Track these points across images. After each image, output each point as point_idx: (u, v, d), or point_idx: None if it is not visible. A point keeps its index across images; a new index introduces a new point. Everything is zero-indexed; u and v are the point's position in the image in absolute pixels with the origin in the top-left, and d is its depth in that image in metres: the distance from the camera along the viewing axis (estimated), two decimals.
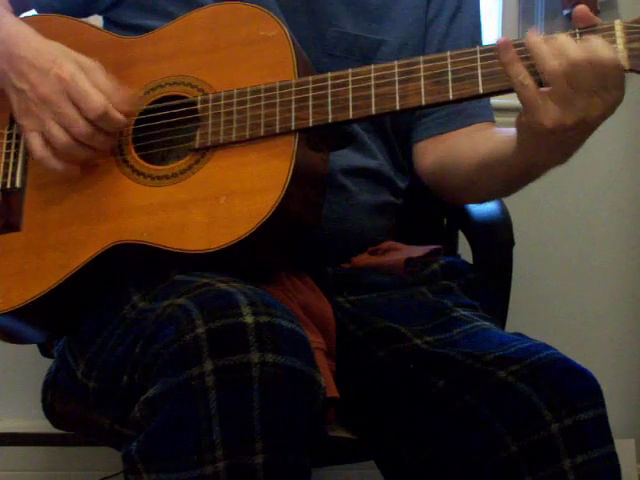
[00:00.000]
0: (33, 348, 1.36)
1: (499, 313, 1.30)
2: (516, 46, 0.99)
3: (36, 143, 1.10)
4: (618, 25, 0.98)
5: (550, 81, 0.97)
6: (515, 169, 1.12)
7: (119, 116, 1.08)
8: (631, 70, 0.97)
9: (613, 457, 1.00)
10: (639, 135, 2.02)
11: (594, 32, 0.98)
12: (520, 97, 0.99)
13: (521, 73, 0.98)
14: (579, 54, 0.95)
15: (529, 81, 0.98)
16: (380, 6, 1.28)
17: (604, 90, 0.96)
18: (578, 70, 0.95)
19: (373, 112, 1.05)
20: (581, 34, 0.98)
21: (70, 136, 1.08)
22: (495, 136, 1.19)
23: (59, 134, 1.08)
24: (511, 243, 1.36)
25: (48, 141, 1.09)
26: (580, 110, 0.97)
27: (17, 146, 1.17)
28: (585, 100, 0.96)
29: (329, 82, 1.06)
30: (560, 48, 0.96)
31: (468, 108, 1.29)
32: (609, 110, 0.98)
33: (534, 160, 1.07)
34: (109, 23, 1.30)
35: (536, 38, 0.98)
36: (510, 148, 1.09)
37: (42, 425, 1.57)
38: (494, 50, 1.00)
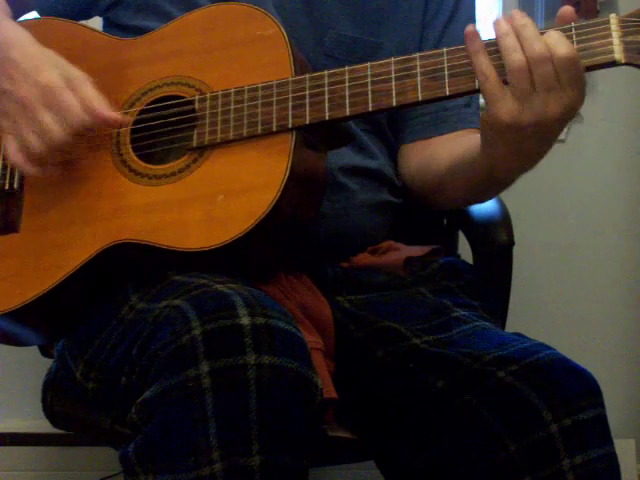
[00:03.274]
0: (33, 348, 1.36)
1: (499, 313, 1.30)
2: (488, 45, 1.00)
3: (11, 147, 1.09)
4: (613, 19, 0.98)
5: (510, 74, 0.98)
6: (478, 172, 1.13)
7: (96, 127, 1.08)
8: (627, 64, 0.97)
9: (613, 457, 1.00)
10: (639, 135, 2.02)
11: (588, 27, 0.98)
12: (481, 89, 1.00)
13: (484, 64, 0.99)
14: (538, 49, 0.96)
15: (491, 72, 0.99)
16: (379, 9, 1.28)
17: (560, 88, 0.97)
18: (537, 65, 0.96)
19: (370, 109, 1.05)
20: (576, 29, 0.98)
21: (45, 144, 1.07)
22: (469, 140, 1.19)
23: (35, 141, 1.07)
24: (511, 243, 1.36)
25: (24, 147, 1.08)
26: (537, 108, 0.97)
27: None
28: (542, 98, 0.97)
29: (326, 80, 1.06)
30: (524, 42, 0.97)
31: (457, 114, 1.29)
32: (566, 112, 0.98)
33: (494, 162, 1.08)
34: (109, 24, 1.30)
35: (505, 29, 0.98)
36: (476, 150, 1.10)
37: (42, 425, 1.57)
38: (490, 46, 1.00)
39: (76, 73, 1.09)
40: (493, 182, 1.15)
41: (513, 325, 1.30)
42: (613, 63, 0.98)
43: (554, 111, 0.98)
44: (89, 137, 1.10)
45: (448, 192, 1.25)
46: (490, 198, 1.27)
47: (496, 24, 0.99)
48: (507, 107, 0.98)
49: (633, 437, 2.03)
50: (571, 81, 0.97)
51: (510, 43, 0.98)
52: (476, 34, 1.00)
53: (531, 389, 1.00)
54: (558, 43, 0.96)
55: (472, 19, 1.36)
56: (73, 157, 1.11)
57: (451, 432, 1.02)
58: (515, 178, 1.13)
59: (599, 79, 1.96)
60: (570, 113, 0.99)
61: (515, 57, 0.97)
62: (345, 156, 1.22)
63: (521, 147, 1.03)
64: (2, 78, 1.10)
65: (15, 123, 1.09)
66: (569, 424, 0.98)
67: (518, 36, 0.98)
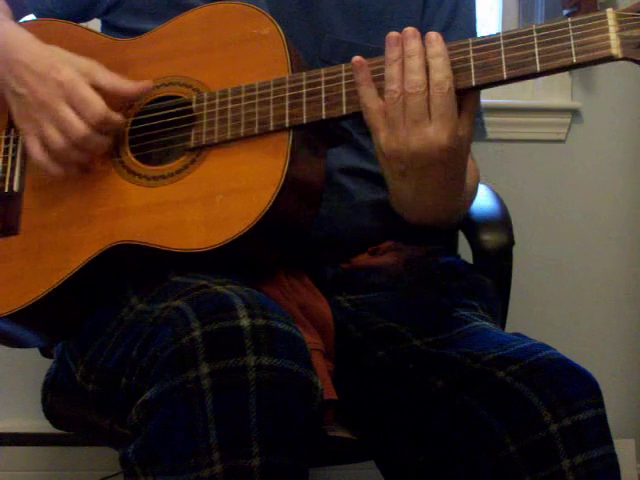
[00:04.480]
0: (33, 349, 1.36)
1: (499, 313, 1.30)
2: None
3: (35, 147, 1.10)
4: (610, 14, 0.97)
5: (385, 104, 0.99)
6: (398, 196, 1.15)
7: (119, 119, 1.09)
8: (624, 59, 0.96)
9: (612, 457, 0.99)
10: (639, 135, 2.02)
11: (584, 22, 0.97)
12: (365, 118, 1.01)
13: (366, 95, 1.01)
14: (414, 81, 0.98)
15: (373, 104, 1.00)
16: (377, 14, 1.27)
17: (426, 120, 0.98)
18: (408, 97, 0.98)
19: None
20: (573, 24, 0.97)
21: (67, 139, 1.08)
22: None
23: (56, 137, 1.08)
24: (511, 243, 1.36)
25: (46, 145, 1.09)
26: (403, 139, 0.99)
27: (15, 150, 1.18)
28: (408, 130, 0.98)
29: (322, 78, 1.06)
30: (405, 73, 0.98)
31: None
32: (428, 147, 0.99)
33: (401, 200, 1.12)
34: (107, 27, 1.30)
35: (392, 57, 0.99)
36: None
37: (42, 425, 1.57)
38: (486, 42, 1.00)
39: (87, 63, 1.11)
40: (418, 211, 1.17)
41: (513, 325, 1.30)
42: (610, 58, 0.96)
43: (415, 145, 0.99)
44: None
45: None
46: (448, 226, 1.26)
47: (387, 47, 1.00)
48: (384, 137, 1.00)
49: (633, 437, 2.03)
50: (437, 111, 0.98)
51: (391, 73, 0.99)
52: (362, 65, 1.01)
53: (531, 389, 1.00)
54: (436, 71, 0.98)
55: (472, 20, 1.34)
56: (96, 154, 1.11)
57: (451, 432, 1.02)
58: (433, 217, 1.16)
59: (599, 79, 1.97)
60: (434, 150, 0.99)
61: (391, 88, 0.99)
62: (344, 157, 1.22)
63: (416, 182, 1.05)
64: (12, 80, 1.11)
65: (36, 123, 1.09)
66: (569, 424, 0.98)
67: (403, 65, 0.99)
